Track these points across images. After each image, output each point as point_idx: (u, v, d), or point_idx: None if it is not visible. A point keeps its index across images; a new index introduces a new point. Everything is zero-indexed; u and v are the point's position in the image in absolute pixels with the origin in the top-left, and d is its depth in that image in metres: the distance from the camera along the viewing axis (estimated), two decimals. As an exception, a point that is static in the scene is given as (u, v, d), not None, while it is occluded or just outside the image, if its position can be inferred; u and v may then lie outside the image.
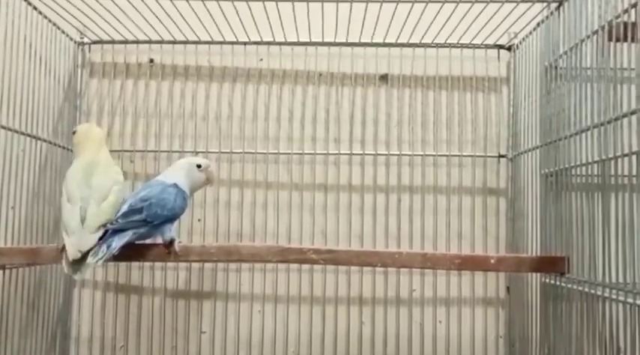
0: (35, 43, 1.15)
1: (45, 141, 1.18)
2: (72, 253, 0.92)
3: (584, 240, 0.95)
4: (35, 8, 1.13)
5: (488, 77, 1.33)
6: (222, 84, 1.34)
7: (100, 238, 0.94)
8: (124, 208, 0.97)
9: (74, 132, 1.10)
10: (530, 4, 1.12)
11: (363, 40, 1.30)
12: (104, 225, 0.95)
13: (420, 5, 1.15)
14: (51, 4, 1.15)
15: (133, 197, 1.00)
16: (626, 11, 0.86)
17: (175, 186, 1.02)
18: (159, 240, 1.00)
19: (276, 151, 1.32)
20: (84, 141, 1.07)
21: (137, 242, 1.00)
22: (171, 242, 0.99)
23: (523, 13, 1.15)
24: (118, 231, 0.94)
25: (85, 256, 0.92)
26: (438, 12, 1.16)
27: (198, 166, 1.06)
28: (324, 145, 1.32)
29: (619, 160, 0.85)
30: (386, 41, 1.29)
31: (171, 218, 0.99)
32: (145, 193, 0.99)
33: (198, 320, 1.30)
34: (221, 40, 1.29)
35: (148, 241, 1.01)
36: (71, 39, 1.29)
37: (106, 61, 1.34)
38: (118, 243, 0.93)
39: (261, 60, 1.34)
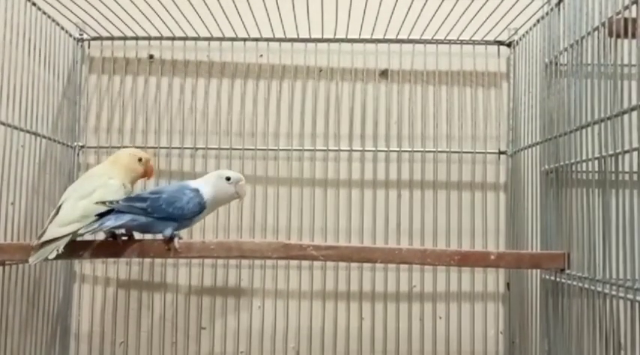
0: (35, 40, 1.14)
1: (44, 137, 1.18)
2: (34, 242, 0.92)
3: (584, 237, 0.95)
4: (34, 4, 1.13)
5: (488, 73, 1.33)
6: (222, 80, 1.34)
7: (101, 216, 0.94)
8: (132, 195, 0.98)
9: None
10: (530, 0, 1.12)
11: (362, 36, 1.30)
12: (80, 221, 0.94)
13: (420, 1, 1.15)
14: (50, 0, 1.15)
15: (149, 189, 1.00)
16: (626, 7, 0.85)
17: (196, 190, 1.00)
18: (160, 236, 1.00)
19: (275, 148, 1.32)
20: (111, 159, 1.08)
21: (137, 238, 1.00)
22: (172, 238, 0.99)
23: (523, 10, 1.15)
24: (118, 212, 0.95)
25: (46, 244, 0.91)
26: (438, 8, 1.16)
27: (227, 178, 1.02)
28: (324, 141, 1.32)
29: (619, 157, 0.85)
30: (386, 37, 1.29)
31: (176, 217, 0.98)
32: (160, 188, 1.01)
33: (198, 316, 1.30)
34: (220, 36, 1.29)
35: (148, 237, 1.01)
36: (70, 35, 1.29)
37: (106, 57, 1.34)
38: (113, 222, 0.93)
39: (261, 56, 1.34)
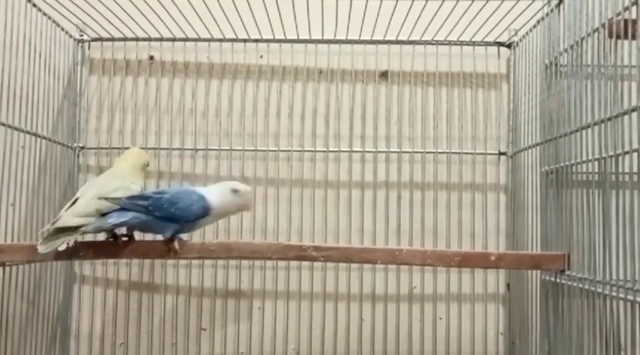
0: (35, 41, 1.14)
1: (45, 138, 1.18)
2: (46, 228, 0.92)
3: (584, 238, 0.95)
4: (35, 5, 1.13)
5: (488, 74, 1.33)
6: (222, 81, 1.34)
7: (104, 215, 0.94)
8: (136, 193, 0.99)
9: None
10: (530, 1, 1.12)
11: (362, 37, 1.30)
12: (95, 216, 0.94)
13: (420, 2, 1.15)
14: (50, 1, 1.15)
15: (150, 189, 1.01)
16: (626, 8, 0.85)
17: (201, 196, 0.99)
18: (160, 237, 1.00)
19: (276, 148, 1.32)
20: (121, 158, 1.10)
21: (137, 239, 1.00)
22: (172, 239, 0.98)
23: (523, 11, 1.15)
24: (120, 210, 0.95)
25: (57, 233, 0.91)
26: (438, 9, 1.16)
27: (235, 191, 1.01)
28: (324, 142, 1.32)
29: (619, 158, 0.85)
30: (386, 38, 1.29)
31: (178, 219, 0.97)
32: (165, 188, 1.01)
33: (198, 317, 1.30)
34: (221, 37, 1.29)
35: (149, 238, 1.01)
36: (71, 36, 1.29)
37: (106, 58, 1.34)
38: (115, 219, 0.93)
39: (261, 57, 1.34)
